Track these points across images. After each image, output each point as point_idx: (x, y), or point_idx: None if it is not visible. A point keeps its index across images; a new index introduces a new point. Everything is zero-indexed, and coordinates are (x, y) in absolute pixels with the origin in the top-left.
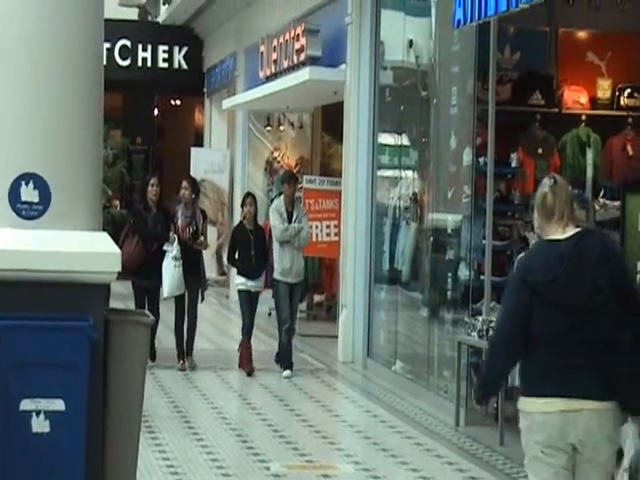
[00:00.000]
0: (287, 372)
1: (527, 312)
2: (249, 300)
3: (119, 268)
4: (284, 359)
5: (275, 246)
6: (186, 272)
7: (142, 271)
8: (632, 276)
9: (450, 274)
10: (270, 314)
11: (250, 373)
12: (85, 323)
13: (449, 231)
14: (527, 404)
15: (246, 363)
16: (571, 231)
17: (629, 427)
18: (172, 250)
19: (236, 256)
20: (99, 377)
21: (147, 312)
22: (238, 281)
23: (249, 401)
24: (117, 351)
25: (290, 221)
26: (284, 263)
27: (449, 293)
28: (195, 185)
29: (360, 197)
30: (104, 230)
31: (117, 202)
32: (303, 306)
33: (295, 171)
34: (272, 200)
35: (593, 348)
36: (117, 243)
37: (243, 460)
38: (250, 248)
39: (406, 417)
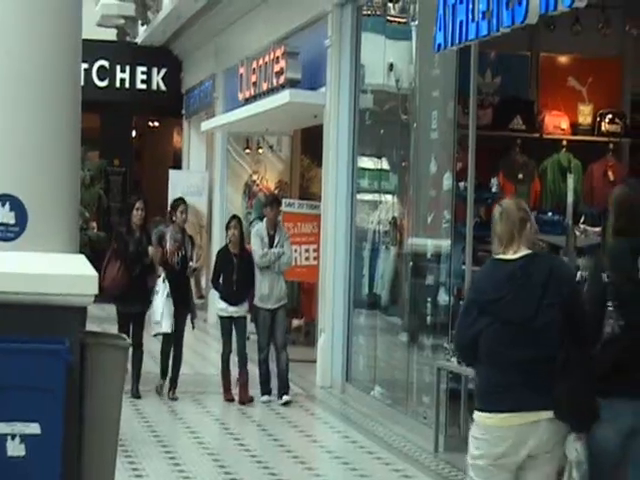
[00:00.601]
0: (265, 397)
1: (475, 327)
2: (230, 326)
3: (96, 291)
4: (264, 383)
5: (256, 271)
6: (175, 300)
7: (126, 297)
8: (582, 302)
9: (430, 299)
10: (249, 338)
11: (231, 400)
12: (61, 346)
13: (429, 256)
14: (484, 419)
15: (228, 392)
16: (522, 252)
17: (570, 441)
18: (163, 287)
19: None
20: (75, 400)
21: (124, 335)
22: (219, 306)
23: (226, 426)
24: (93, 374)
25: (272, 245)
26: (262, 289)
27: (428, 318)
28: (186, 209)
29: (339, 221)
30: (81, 252)
31: (94, 224)
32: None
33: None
34: (250, 223)
35: (541, 364)
36: (94, 266)
37: None
38: (232, 273)
39: (385, 443)
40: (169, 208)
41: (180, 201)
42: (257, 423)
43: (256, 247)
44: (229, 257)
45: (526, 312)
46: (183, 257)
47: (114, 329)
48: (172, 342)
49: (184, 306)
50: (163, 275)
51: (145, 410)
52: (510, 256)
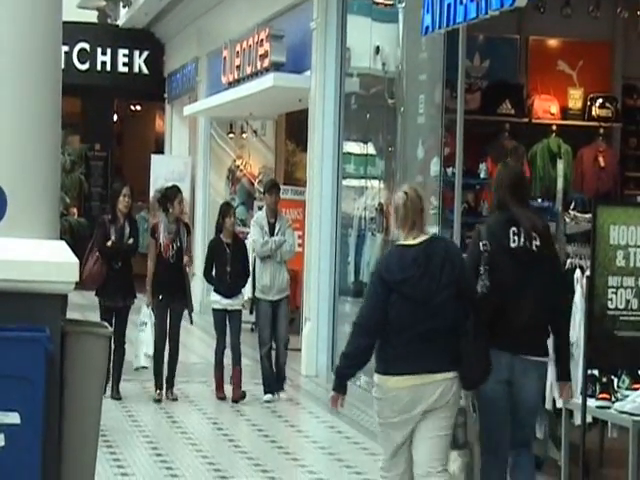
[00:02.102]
0: (269, 396)
1: (384, 304)
2: (224, 320)
3: (77, 278)
4: (267, 380)
5: (257, 261)
6: (170, 294)
7: (107, 290)
8: (469, 276)
9: None
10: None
11: (222, 398)
12: (41, 334)
13: None
14: (384, 381)
15: (220, 389)
16: (421, 237)
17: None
18: (148, 317)
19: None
20: (55, 389)
21: (105, 324)
22: (213, 299)
23: (209, 415)
24: (74, 363)
25: (272, 234)
26: (264, 279)
27: None
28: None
29: (325, 207)
30: (62, 239)
31: (75, 210)
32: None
33: (258, 180)
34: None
35: (439, 334)
36: (75, 253)
37: (203, 476)
38: (226, 263)
39: (371, 433)
40: (156, 195)
41: (176, 190)
42: (241, 413)
43: (256, 236)
44: (222, 247)
45: (428, 291)
46: (178, 249)
47: (96, 317)
48: (164, 341)
49: (180, 301)
50: (148, 303)
51: (126, 399)
52: (412, 241)
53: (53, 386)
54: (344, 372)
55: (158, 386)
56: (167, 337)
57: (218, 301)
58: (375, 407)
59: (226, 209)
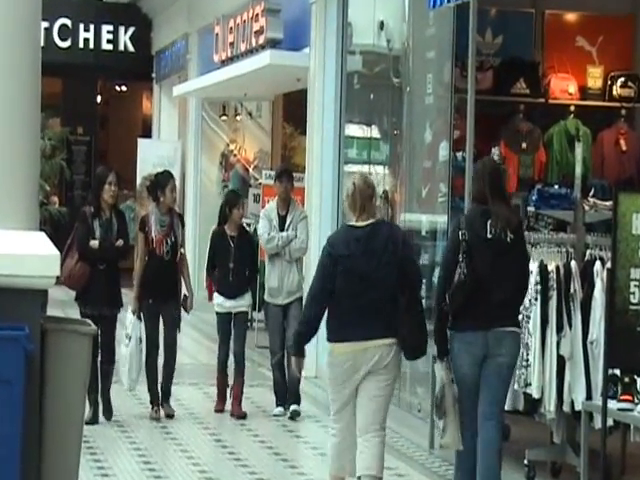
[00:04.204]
0: (279, 409)
1: (331, 276)
2: (228, 324)
3: (58, 272)
4: (277, 393)
5: (265, 260)
6: (163, 297)
7: (89, 295)
8: (412, 254)
9: (425, 280)
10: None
11: (221, 411)
12: (20, 333)
13: (423, 233)
14: (331, 348)
15: (221, 400)
16: (369, 221)
17: (436, 366)
18: (134, 327)
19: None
20: (35, 392)
21: (88, 321)
22: (216, 301)
23: (201, 420)
24: (55, 363)
25: (283, 228)
26: (271, 281)
27: (423, 301)
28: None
29: (325, 195)
30: (41, 230)
31: (56, 199)
32: (261, 315)
33: (253, 166)
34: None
35: (378, 305)
36: (56, 245)
37: None
38: (229, 260)
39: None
40: (144, 182)
41: (167, 176)
42: (235, 417)
43: (261, 231)
44: (225, 241)
45: (368, 266)
46: (173, 244)
47: (77, 314)
48: (156, 351)
49: (174, 305)
50: (134, 309)
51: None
52: (360, 223)
53: (33, 388)
54: (301, 338)
55: (155, 403)
56: (159, 346)
57: (221, 304)
58: (326, 371)
59: (234, 199)
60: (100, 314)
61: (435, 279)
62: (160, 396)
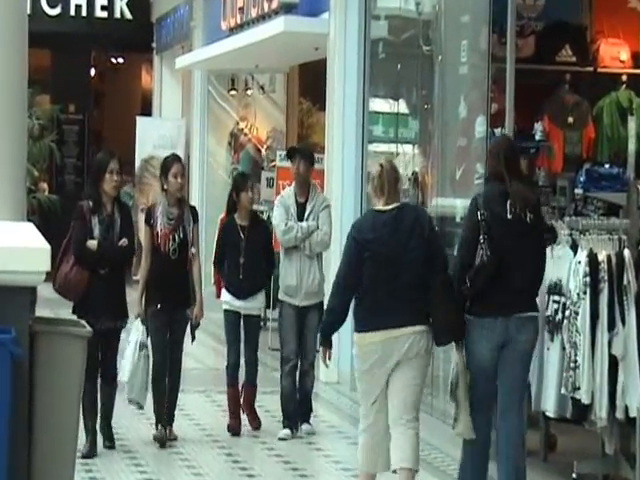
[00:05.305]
0: (286, 431)
1: (358, 262)
2: (237, 325)
3: (48, 267)
4: (286, 410)
5: (281, 254)
6: (171, 302)
7: (89, 305)
8: (439, 240)
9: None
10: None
11: (236, 432)
12: (6, 335)
13: (457, 219)
14: (359, 338)
15: (233, 417)
16: (394, 205)
17: (453, 354)
18: (136, 331)
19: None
20: (23, 400)
21: (82, 322)
22: (224, 298)
23: (209, 432)
24: (45, 368)
25: (302, 218)
26: (288, 278)
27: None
28: (183, 171)
29: (347, 178)
30: (29, 220)
31: (45, 185)
32: (276, 313)
33: (266, 146)
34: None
35: (408, 291)
36: (45, 236)
37: None
38: (239, 254)
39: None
40: (143, 165)
41: (172, 159)
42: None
43: (277, 220)
44: (235, 232)
45: (395, 250)
46: (181, 241)
47: (70, 314)
48: (164, 365)
49: (183, 311)
50: (139, 314)
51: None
52: (385, 207)
53: (20, 396)
54: (328, 328)
55: (160, 421)
56: (167, 359)
57: (229, 301)
58: (355, 363)
59: (242, 181)
60: (101, 327)
61: (472, 274)
62: (166, 414)
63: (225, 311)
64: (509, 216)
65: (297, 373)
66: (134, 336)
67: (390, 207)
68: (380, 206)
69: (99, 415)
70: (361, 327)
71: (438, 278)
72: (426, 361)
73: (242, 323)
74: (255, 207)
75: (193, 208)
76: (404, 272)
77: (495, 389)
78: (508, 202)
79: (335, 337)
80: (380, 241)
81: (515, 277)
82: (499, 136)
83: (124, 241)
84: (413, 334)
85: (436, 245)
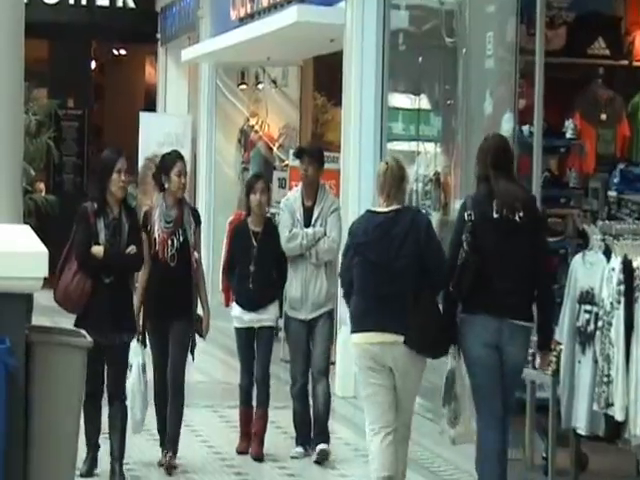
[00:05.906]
0: (299, 449)
1: (349, 267)
2: (250, 342)
3: (46, 272)
4: (300, 429)
5: (288, 263)
6: (169, 316)
7: (92, 318)
8: (435, 247)
9: None
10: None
11: (246, 452)
12: (0, 346)
13: None
14: (354, 338)
15: (245, 439)
16: (392, 207)
17: (449, 361)
18: (135, 356)
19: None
20: (19, 413)
21: (82, 332)
22: (233, 313)
23: (216, 450)
24: (42, 381)
25: (309, 223)
26: (292, 289)
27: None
28: (185, 169)
29: (364, 178)
30: (25, 222)
31: (42, 185)
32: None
33: (278, 144)
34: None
35: (396, 299)
36: (43, 239)
37: None
38: (249, 261)
39: (424, 469)
40: (147, 164)
41: (174, 157)
42: (252, 458)
43: (281, 227)
44: (246, 238)
45: (385, 255)
46: (181, 246)
47: (69, 323)
48: (165, 388)
49: (183, 327)
50: (137, 332)
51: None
52: (382, 209)
53: (15, 410)
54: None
55: (164, 444)
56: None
57: (239, 317)
58: (355, 363)
59: (251, 181)
60: (106, 342)
61: None
62: (167, 441)
63: (236, 329)
64: (495, 215)
65: (309, 388)
66: (134, 359)
67: (388, 209)
68: (378, 207)
69: (109, 452)
70: (355, 328)
71: (424, 294)
72: (419, 368)
73: (255, 338)
74: (273, 210)
75: (194, 209)
76: (393, 280)
77: (499, 389)
78: (495, 201)
79: (350, 340)
80: (369, 244)
81: (503, 278)
82: (489, 134)
83: (132, 248)
84: (400, 344)
85: (431, 253)
